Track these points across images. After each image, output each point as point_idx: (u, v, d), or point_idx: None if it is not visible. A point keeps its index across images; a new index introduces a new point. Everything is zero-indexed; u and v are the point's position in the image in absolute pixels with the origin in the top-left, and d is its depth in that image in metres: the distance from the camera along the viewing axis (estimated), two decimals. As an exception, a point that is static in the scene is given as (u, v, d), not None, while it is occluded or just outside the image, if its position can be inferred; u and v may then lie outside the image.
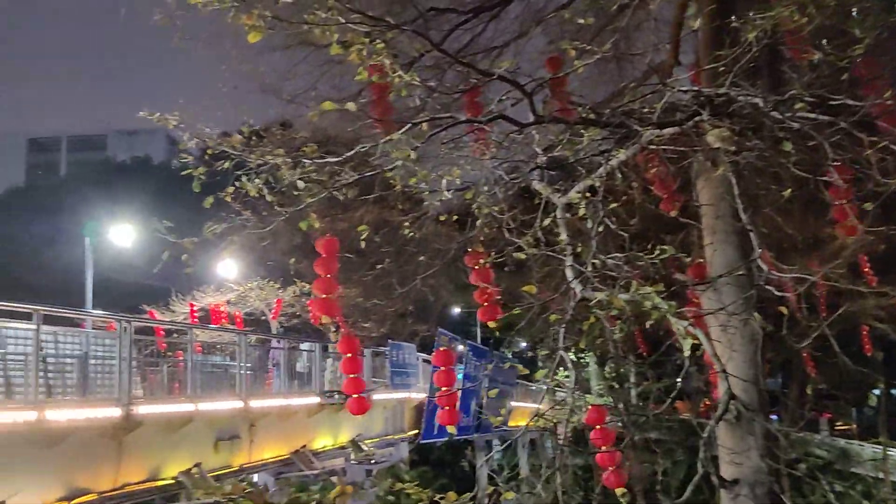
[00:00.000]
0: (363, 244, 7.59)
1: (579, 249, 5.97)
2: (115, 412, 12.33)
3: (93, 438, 12.24)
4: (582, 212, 6.18)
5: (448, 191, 6.74)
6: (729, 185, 6.32)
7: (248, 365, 17.96)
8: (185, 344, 18.06)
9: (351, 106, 6.13)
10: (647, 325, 5.84)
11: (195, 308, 30.87)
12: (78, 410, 11.70)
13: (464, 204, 8.46)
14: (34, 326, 11.51)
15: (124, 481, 12.96)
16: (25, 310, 11.89)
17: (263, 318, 31.65)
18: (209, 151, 6.74)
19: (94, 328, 18.62)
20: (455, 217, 9.46)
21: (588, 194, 6.13)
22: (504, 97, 6.43)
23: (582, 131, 6.64)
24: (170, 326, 22.50)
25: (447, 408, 14.94)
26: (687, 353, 5.32)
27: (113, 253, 27.96)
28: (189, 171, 6.69)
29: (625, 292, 5.36)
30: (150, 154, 79.15)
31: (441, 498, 8.54)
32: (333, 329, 13.07)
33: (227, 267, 29.89)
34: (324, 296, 10.89)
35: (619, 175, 6.38)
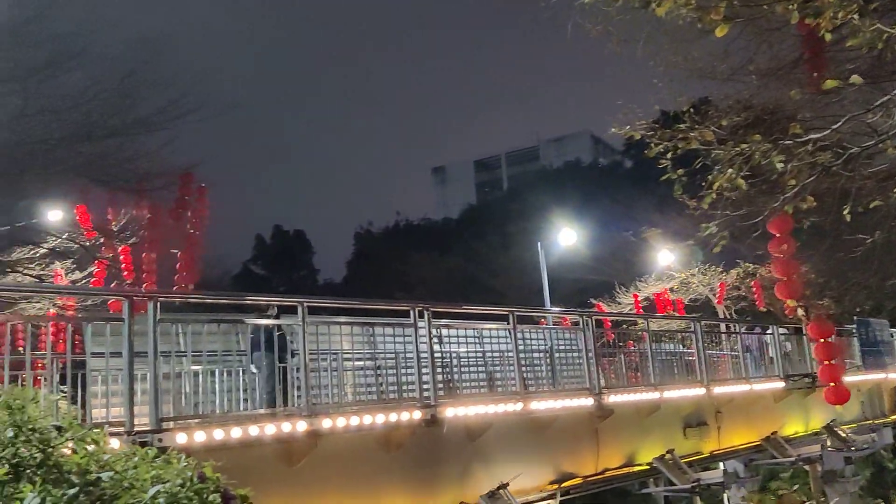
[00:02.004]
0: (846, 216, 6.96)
1: None
2: (588, 402, 13.09)
3: (572, 426, 13.16)
4: None
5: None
6: None
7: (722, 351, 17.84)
8: (637, 333, 18.52)
9: (856, 79, 5.63)
10: None
11: (639, 298, 31.55)
12: (556, 401, 12.64)
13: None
14: (510, 326, 12.76)
15: (604, 466, 13.70)
16: (502, 312, 13.26)
17: (709, 303, 31.05)
18: (678, 147, 6.77)
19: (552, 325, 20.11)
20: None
21: None
22: None
23: None
24: (620, 318, 23.22)
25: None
26: None
27: (559, 253, 29.89)
28: (668, 175, 6.80)
29: None
30: (579, 157, 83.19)
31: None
32: (803, 313, 12.29)
33: (667, 255, 29.90)
34: (784, 278, 10.31)
35: None
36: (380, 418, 9.82)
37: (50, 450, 2.21)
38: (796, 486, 22.67)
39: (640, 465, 14.44)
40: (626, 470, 14.23)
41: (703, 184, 6.81)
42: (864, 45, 5.22)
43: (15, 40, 17.41)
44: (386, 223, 74.53)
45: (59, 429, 2.38)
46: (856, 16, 5.01)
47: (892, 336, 24.95)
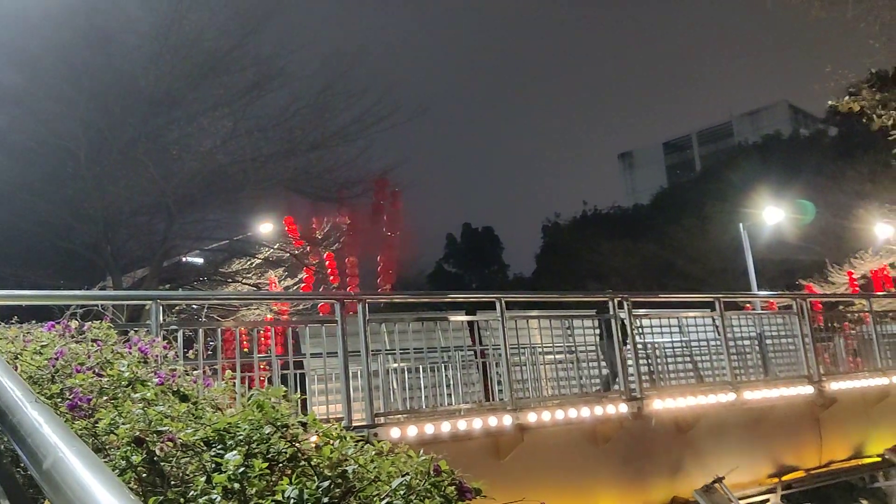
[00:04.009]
0: None
1: None
2: (808, 389, 12.25)
3: (790, 416, 12.37)
4: None
5: None
6: None
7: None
8: (858, 315, 17.07)
9: None
10: None
11: (854, 276, 29.12)
12: (770, 390, 11.94)
13: None
14: (716, 313, 12.20)
15: (828, 458, 12.77)
16: (707, 298, 12.72)
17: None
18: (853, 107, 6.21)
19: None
20: None
21: None
22: None
23: None
24: (835, 299, 21.56)
25: None
26: None
27: (763, 233, 28.27)
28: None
29: None
30: (778, 129, 78.22)
31: None
32: None
33: (885, 229, 27.42)
34: None
35: None
36: (585, 412, 9.74)
37: (299, 444, 2.36)
38: None
39: (869, 456, 13.31)
40: (853, 462, 13.18)
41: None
42: None
43: (223, 68, 18.98)
44: (574, 214, 73.84)
45: (303, 425, 2.55)
46: None
47: None
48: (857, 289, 27.88)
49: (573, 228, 67.31)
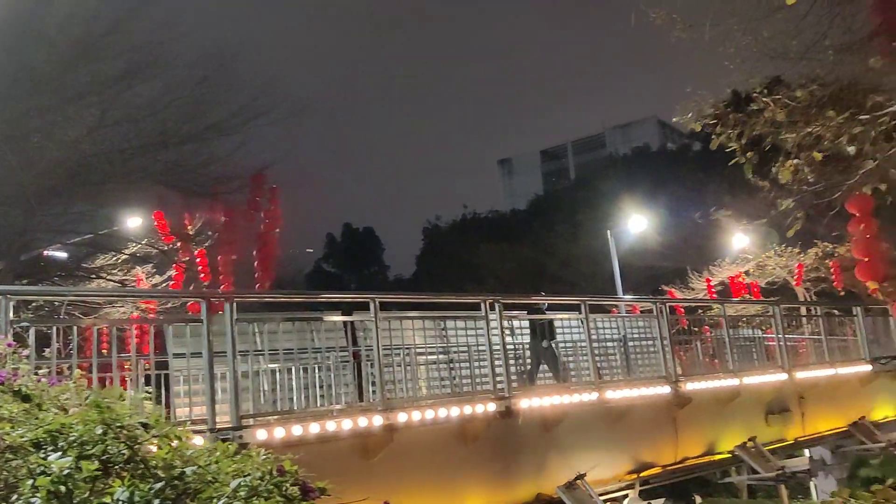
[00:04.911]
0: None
1: None
2: (665, 389, 12.89)
3: (649, 415, 12.98)
4: None
5: None
6: None
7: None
8: (713, 319, 18.13)
9: None
10: None
11: (712, 283, 30.85)
12: (631, 390, 12.50)
13: None
14: (583, 315, 12.65)
15: (683, 455, 13.48)
16: (574, 301, 13.17)
17: (787, 286, 30.17)
18: (744, 133, 6.65)
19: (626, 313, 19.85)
20: None
21: None
22: None
23: None
24: (694, 304, 22.78)
25: None
26: None
27: (629, 240, 29.52)
28: (738, 159, 6.70)
29: None
30: (646, 142, 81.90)
31: None
32: (887, 294, 11.85)
33: (741, 238, 29.18)
34: (865, 259, 9.96)
35: None
36: (454, 411, 9.89)
37: (137, 446, 2.30)
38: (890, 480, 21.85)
39: (720, 453, 14.15)
40: (706, 458, 13.97)
41: (775, 164, 6.65)
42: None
43: (93, 54, 18.05)
44: (454, 217, 74.83)
45: (145, 426, 2.48)
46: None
47: None
48: (714, 295, 29.55)
49: (453, 231, 68.14)
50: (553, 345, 13.34)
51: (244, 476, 2.21)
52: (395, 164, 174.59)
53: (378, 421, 9.15)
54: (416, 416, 9.51)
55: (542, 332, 13.16)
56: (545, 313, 13.30)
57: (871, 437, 16.98)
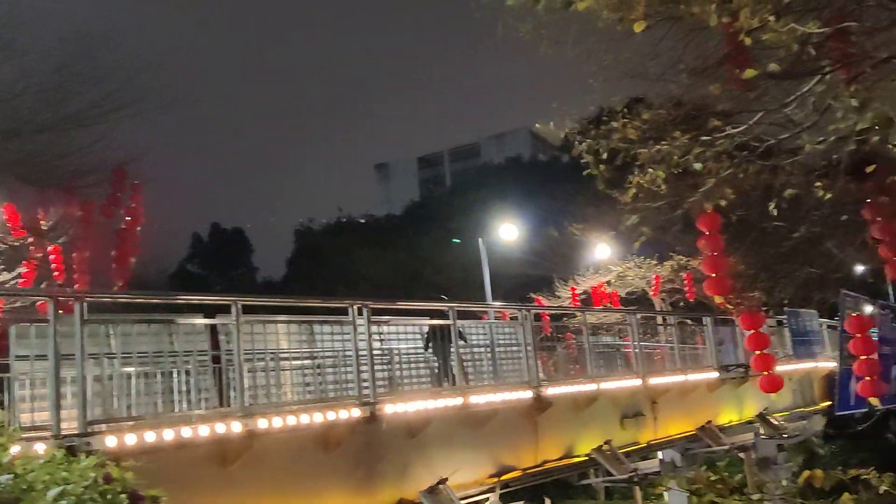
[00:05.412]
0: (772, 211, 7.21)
1: None
2: (527, 394, 13.23)
3: (511, 420, 13.29)
4: None
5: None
6: None
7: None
8: (576, 327, 18.76)
9: (774, 67, 5.81)
10: None
11: (577, 292, 31.98)
12: (495, 395, 12.74)
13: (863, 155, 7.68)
14: (450, 322, 12.81)
15: (543, 458, 13.87)
16: (442, 307, 13.32)
17: (646, 296, 31.65)
18: (600, 147, 6.94)
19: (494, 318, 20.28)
20: (855, 168, 8.58)
21: None
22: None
23: None
24: (559, 311, 23.52)
25: (867, 378, 13.54)
26: None
27: (500, 249, 30.14)
28: (590, 171, 6.98)
29: None
30: (519, 153, 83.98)
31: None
32: (733, 306, 12.62)
33: (604, 249, 30.37)
34: (713, 274, 10.60)
35: None
36: (317, 417, 9.77)
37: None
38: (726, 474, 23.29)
39: (578, 456, 14.65)
40: (564, 461, 14.43)
41: (630, 178, 7.00)
42: (779, 45, 5.40)
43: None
44: (328, 220, 74.17)
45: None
46: (771, 17, 5.17)
47: (821, 326, 25.82)
48: (579, 303, 30.64)
49: (327, 234, 67.44)
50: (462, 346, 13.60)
51: (67, 484, 2.11)
52: (268, 165, 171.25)
53: (237, 427, 8.92)
54: (277, 422, 9.34)
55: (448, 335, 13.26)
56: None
57: (716, 441, 18.06)
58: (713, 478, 20.29)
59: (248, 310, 10.05)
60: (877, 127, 6.22)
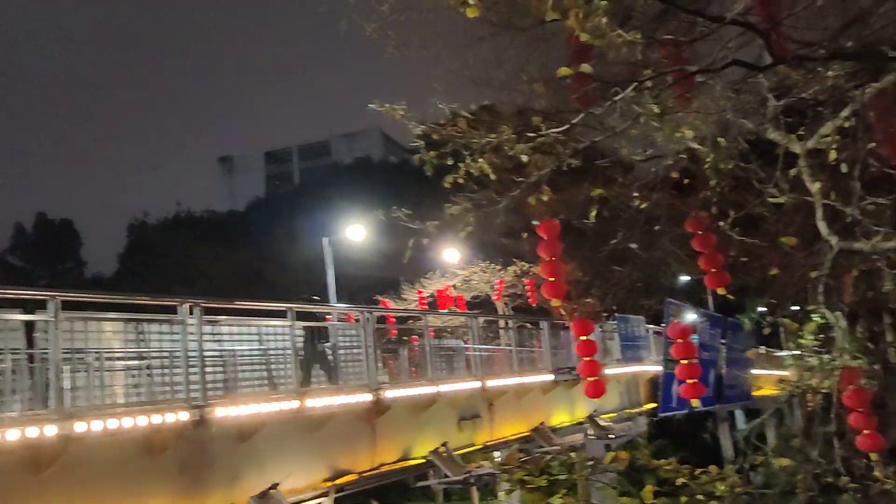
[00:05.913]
0: (592, 219, 7.50)
1: (833, 198, 5.51)
2: (366, 397, 13.13)
3: (349, 423, 13.15)
4: (833, 155, 5.67)
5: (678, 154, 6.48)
6: None
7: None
8: (420, 329, 18.87)
9: (585, 68, 5.99)
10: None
11: (423, 295, 32.23)
12: (333, 397, 12.57)
13: (683, 169, 8.16)
14: (289, 322, 12.52)
15: (380, 461, 13.81)
16: (280, 308, 12.98)
17: (489, 300, 32.35)
18: (435, 136, 6.98)
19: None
20: (677, 181, 9.12)
21: (838, 136, 5.63)
22: (729, 44, 6.08)
23: (819, 69, 6.09)
24: (403, 314, 23.60)
25: (689, 381, 14.47)
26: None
27: (347, 249, 29.87)
28: (420, 155, 6.99)
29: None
30: (369, 154, 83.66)
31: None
32: (568, 311, 13.05)
33: (451, 253, 30.77)
34: (550, 279, 10.94)
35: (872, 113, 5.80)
36: (142, 420, 9.24)
37: None
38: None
39: (415, 458, 14.71)
40: (401, 464, 14.44)
41: (460, 165, 7.10)
42: (611, 51, 5.61)
43: None
44: (165, 214, 70.86)
45: None
46: (604, 19, 5.33)
47: (647, 331, 27.40)
48: (425, 306, 30.88)
49: (164, 229, 64.48)
50: (326, 348, 13.80)
51: None
52: (101, 155, 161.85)
53: (51, 431, 8.29)
54: (97, 425, 8.75)
55: (315, 335, 13.66)
56: (318, 318, 14.14)
57: (549, 441, 18.68)
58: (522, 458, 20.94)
59: (71, 306, 9.40)
60: (691, 141, 6.63)
